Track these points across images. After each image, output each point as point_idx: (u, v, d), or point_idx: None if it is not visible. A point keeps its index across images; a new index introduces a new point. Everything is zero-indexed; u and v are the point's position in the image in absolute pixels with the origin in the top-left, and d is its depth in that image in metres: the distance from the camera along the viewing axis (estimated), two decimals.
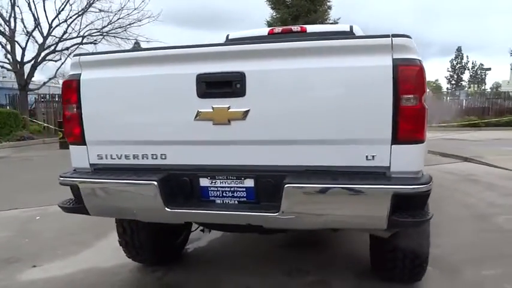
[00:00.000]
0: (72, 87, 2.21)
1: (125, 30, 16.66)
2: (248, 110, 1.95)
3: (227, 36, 4.33)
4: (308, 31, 4.05)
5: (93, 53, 2.24)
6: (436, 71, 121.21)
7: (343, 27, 4.05)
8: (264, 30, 4.25)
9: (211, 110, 1.99)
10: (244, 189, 2.06)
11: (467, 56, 66.92)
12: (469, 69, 65.93)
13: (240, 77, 1.94)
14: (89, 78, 2.17)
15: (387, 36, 1.82)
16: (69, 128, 2.27)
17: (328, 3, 17.38)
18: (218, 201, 2.10)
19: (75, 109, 2.22)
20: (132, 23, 16.35)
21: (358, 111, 1.87)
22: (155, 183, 2.00)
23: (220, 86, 1.98)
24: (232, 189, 2.08)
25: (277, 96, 1.94)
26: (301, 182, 1.85)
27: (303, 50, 1.92)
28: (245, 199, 2.07)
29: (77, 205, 2.20)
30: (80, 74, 2.19)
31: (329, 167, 1.94)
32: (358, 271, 3.05)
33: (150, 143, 2.13)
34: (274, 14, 17.86)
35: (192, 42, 2.27)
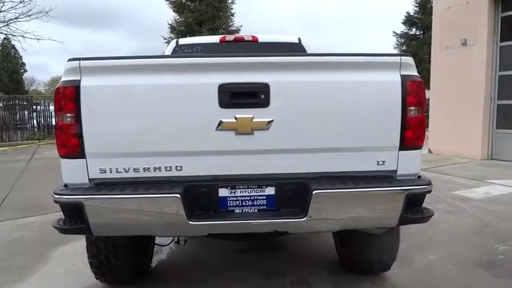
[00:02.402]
0: (69, 94, 1.98)
1: (7, 25, 14.67)
2: (272, 120, 2.00)
3: (177, 41, 4.23)
4: (260, 41, 4.18)
5: (96, 58, 2.03)
6: None
7: (291, 38, 4.26)
8: (216, 38, 4.25)
9: (235, 120, 1.99)
10: (264, 197, 2.10)
11: None
12: None
13: (265, 88, 1.99)
14: (92, 85, 1.98)
15: (397, 55, 2.07)
16: (64, 140, 2.02)
17: (231, 10, 17.80)
18: (237, 210, 2.10)
19: (72, 119, 1.99)
20: (18, 17, 14.47)
21: (371, 121, 2.07)
22: (178, 195, 1.92)
23: (244, 96, 2.00)
24: (252, 198, 2.10)
25: (299, 107, 2.03)
26: (328, 188, 1.98)
27: (324, 64, 2.05)
28: (265, 207, 2.11)
29: (78, 225, 1.98)
30: (80, 80, 1.98)
31: (344, 172, 2.10)
32: (329, 267, 3.29)
33: (164, 155, 2.03)
34: (177, 18, 17.61)
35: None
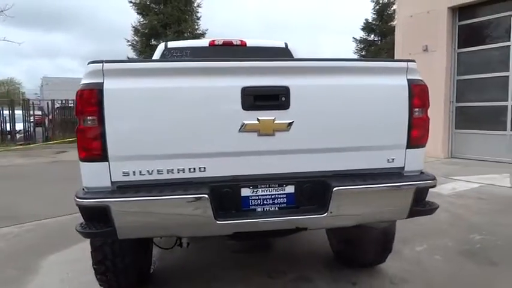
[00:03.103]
0: (92, 97, 1.98)
1: None
2: (292, 122, 2.10)
3: (165, 45, 4.23)
4: (248, 45, 4.28)
5: (118, 61, 2.03)
6: None
7: (278, 43, 4.39)
8: (205, 41, 4.30)
9: (257, 122, 2.07)
10: (284, 196, 2.19)
11: None
12: None
13: (285, 91, 2.09)
14: (116, 88, 1.98)
15: (404, 61, 2.23)
16: (86, 143, 2.01)
17: (197, 14, 17.73)
18: (259, 209, 2.18)
19: (95, 122, 1.99)
20: None
21: (382, 121, 2.22)
22: (206, 196, 1.97)
23: (266, 99, 2.08)
24: (273, 196, 2.18)
25: (316, 109, 2.14)
26: (348, 185, 2.10)
27: (339, 69, 2.18)
28: (285, 205, 2.20)
29: (104, 229, 1.97)
30: (102, 83, 1.98)
31: (357, 170, 2.24)
32: (326, 263, 3.43)
33: (188, 156, 2.07)
34: (141, 20, 17.30)
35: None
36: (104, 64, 1.98)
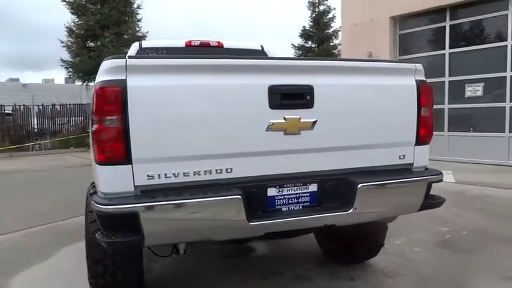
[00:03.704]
0: (114, 95, 1.83)
1: None
2: (316, 120, 2.12)
3: (140, 44, 4.04)
4: (224, 47, 4.24)
5: (142, 56, 1.90)
6: None
7: (255, 45, 4.40)
8: (181, 42, 4.17)
9: (284, 121, 2.06)
10: (308, 194, 2.19)
11: None
12: None
13: (310, 90, 2.10)
14: (141, 85, 1.85)
15: (413, 63, 2.36)
16: (107, 145, 1.85)
17: (137, 16, 17.08)
18: (284, 209, 2.16)
19: (117, 121, 1.84)
20: None
21: (395, 119, 2.32)
22: (240, 197, 1.91)
23: (293, 97, 2.08)
24: (297, 195, 2.18)
25: (338, 107, 2.18)
26: (372, 181, 2.16)
27: (359, 69, 2.24)
28: (308, 203, 2.20)
29: (132, 237, 1.82)
30: (125, 80, 1.84)
31: (373, 167, 2.31)
32: (318, 262, 3.49)
33: (215, 157, 1.99)
34: (76, 20, 16.25)
35: None
36: (128, 60, 1.84)
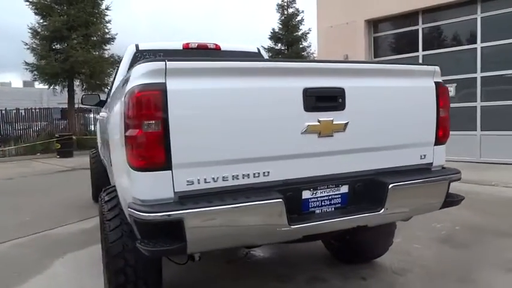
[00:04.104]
0: (155, 99, 1.77)
1: None
2: (347, 122, 2.14)
3: (136, 46, 3.94)
4: (222, 49, 4.20)
5: (182, 59, 1.83)
6: None
7: (251, 48, 4.39)
8: (178, 44, 4.10)
9: (318, 123, 2.06)
10: (339, 196, 2.21)
11: None
12: None
13: (341, 92, 2.12)
14: (180, 89, 1.80)
15: (432, 65, 2.43)
16: (146, 151, 1.79)
17: (106, 17, 16.56)
18: (317, 211, 2.16)
19: (157, 126, 1.78)
20: None
21: (418, 119, 2.38)
22: (281, 200, 1.90)
23: (326, 100, 2.09)
24: (330, 197, 2.18)
25: (367, 109, 2.21)
26: (402, 181, 2.20)
27: (386, 71, 2.29)
28: (339, 205, 2.21)
29: (176, 244, 1.77)
30: (165, 83, 1.79)
31: (397, 167, 2.36)
32: (326, 262, 3.52)
33: (253, 161, 1.96)
34: (41, 21, 15.54)
35: None
36: (167, 63, 1.78)
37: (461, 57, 8.76)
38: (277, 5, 26.28)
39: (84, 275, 3.42)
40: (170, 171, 1.82)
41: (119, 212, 2.41)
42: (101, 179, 6.04)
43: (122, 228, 2.35)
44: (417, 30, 9.55)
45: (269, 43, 26.34)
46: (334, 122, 2.10)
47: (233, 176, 1.93)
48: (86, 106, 5.97)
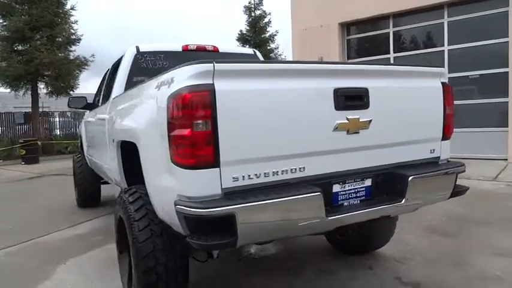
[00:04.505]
0: (205, 99, 1.85)
1: None
2: (371, 120, 2.30)
3: (137, 48, 3.94)
4: (220, 51, 4.28)
5: (229, 61, 1.91)
6: None
7: (248, 50, 4.51)
8: (178, 46, 4.14)
9: (347, 121, 2.21)
10: (364, 189, 2.37)
11: None
12: None
13: (366, 92, 2.28)
14: (228, 90, 1.89)
15: (439, 67, 2.65)
16: (196, 149, 1.86)
17: (72, 18, 16.01)
18: (346, 203, 2.30)
19: (207, 126, 1.86)
20: None
21: (429, 116, 2.60)
22: (320, 193, 2.02)
23: (353, 99, 2.24)
24: (355, 190, 2.34)
25: (387, 107, 2.38)
26: (421, 173, 2.39)
27: (403, 73, 2.48)
28: (364, 197, 2.37)
29: (229, 239, 1.85)
30: (213, 84, 1.87)
31: (411, 161, 2.55)
32: (328, 255, 3.69)
33: (291, 157, 2.08)
34: (1, 21, 14.79)
35: None
36: (216, 64, 1.87)
37: (430, 59, 9.25)
38: (244, 7, 26.49)
39: (93, 280, 3.40)
40: (218, 169, 1.90)
41: (146, 212, 2.45)
42: (87, 183, 5.94)
43: (150, 228, 2.40)
44: (388, 33, 10.00)
45: (237, 44, 26.45)
46: (360, 120, 2.26)
47: (273, 172, 2.04)
48: (73, 109, 5.82)
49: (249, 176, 1.98)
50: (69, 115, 19.40)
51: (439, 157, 2.68)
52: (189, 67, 1.89)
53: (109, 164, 3.81)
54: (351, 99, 2.23)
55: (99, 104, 4.72)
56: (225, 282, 3.26)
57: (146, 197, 2.53)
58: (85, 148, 5.88)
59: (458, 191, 2.66)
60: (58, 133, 18.72)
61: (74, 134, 18.04)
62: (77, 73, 16.79)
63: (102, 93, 4.77)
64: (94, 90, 5.89)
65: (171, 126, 1.94)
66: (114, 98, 3.73)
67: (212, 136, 1.87)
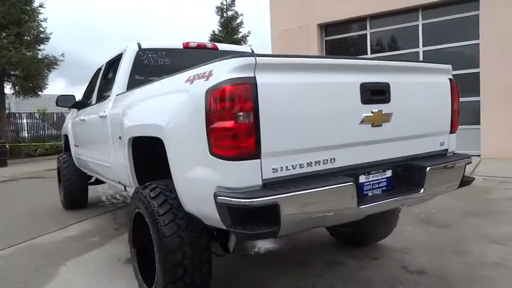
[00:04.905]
0: (247, 92, 1.89)
1: None
2: (391, 113, 2.41)
3: (139, 45, 3.90)
4: (220, 49, 4.31)
5: (269, 55, 1.94)
6: None
7: (245, 48, 4.58)
8: (179, 43, 4.12)
9: (372, 114, 2.31)
10: (385, 180, 2.47)
11: None
12: None
13: (388, 87, 2.39)
14: (268, 83, 1.93)
15: (447, 64, 2.80)
16: (238, 141, 1.89)
17: (41, 15, 15.38)
18: (370, 193, 2.39)
19: (249, 118, 1.90)
20: None
21: (440, 111, 2.74)
22: (353, 183, 2.10)
23: (377, 93, 2.34)
24: (378, 181, 2.43)
25: (406, 101, 2.50)
26: (437, 164, 2.52)
27: (419, 69, 2.62)
28: (385, 187, 2.47)
29: (273, 228, 1.89)
30: (255, 78, 1.91)
31: (425, 153, 2.68)
32: (333, 248, 3.79)
33: (323, 149, 2.15)
34: None
35: None
36: (257, 58, 1.91)
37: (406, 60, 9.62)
38: (216, 8, 26.48)
39: (100, 279, 3.33)
40: (259, 160, 1.94)
41: (170, 206, 2.45)
42: (75, 184, 5.79)
43: (176, 222, 2.41)
44: (365, 34, 10.31)
45: None
46: (383, 113, 2.36)
47: (307, 163, 2.10)
48: (63, 107, 5.64)
49: (287, 167, 2.03)
50: (37, 116, 18.66)
51: (447, 149, 2.83)
52: (231, 60, 1.92)
53: (111, 162, 3.75)
54: (375, 93, 2.32)
55: (94, 102, 4.62)
56: (237, 277, 3.27)
57: (167, 192, 2.52)
58: (72, 148, 5.72)
59: (466, 181, 2.82)
60: (26, 135, 17.98)
61: (43, 136, 17.40)
62: (46, 73, 16.22)
63: (96, 91, 4.66)
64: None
65: (211, 118, 1.96)
66: (117, 95, 3.67)
67: (254, 128, 1.91)
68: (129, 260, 3.70)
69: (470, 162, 2.82)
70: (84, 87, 5.68)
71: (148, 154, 3.07)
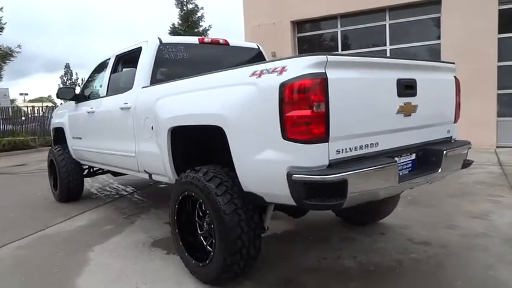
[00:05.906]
0: (320, 86, 2.22)
1: None
2: (417, 105, 2.85)
3: (160, 40, 4.07)
4: (230, 44, 4.57)
5: (337, 54, 2.25)
6: (49, 87, 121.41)
7: (253, 44, 4.87)
8: (195, 39, 4.34)
9: (405, 105, 2.73)
10: (411, 162, 2.91)
11: (76, 73, 67.35)
12: (79, 85, 68.13)
13: (415, 82, 2.82)
14: (336, 78, 2.28)
15: (453, 63, 3.30)
16: (313, 127, 2.23)
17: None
18: (400, 173, 2.82)
19: (323, 107, 2.24)
20: None
21: (448, 103, 3.23)
22: (396, 163, 2.51)
23: (408, 88, 2.76)
24: (406, 163, 2.87)
25: (427, 95, 2.94)
26: (452, 148, 3.00)
27: (436, 67, 3.08)
28: (410, 168, 2.91)
29: (341, 200, 2.24)
30: (325, 73, 2.25)
31: (437, 139, 3.16)
32: (342, 226, 4.21)
33: (371, 134, 2.53)
34: None
35: None
36: (328, 56, 2.25)
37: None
38: (176, 0, 26.18)
39: (135, 262, 3.50)
40: (327, 143, 2.29)
41: (226, 187, 2.75)
42: (72, 176, 5.80)
43: (233, 202, 2.71)
44: (336, 32, 10.89)
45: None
46: (412, 104, 2.79)
47: (360, 146, 2.48)
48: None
49: (345, 149, 2.39)
50: None
51: (451, 137, 3.34)
52: (306, 58, 2.24)
53: (135, 151, 3.91)
54: (407, 88, 2.75)
55: (104, 95, 4.70)
56: (270, 251, 3.57)
57: (220, 175, 2.81)
58: (70, 140, 5.72)
59: (467, 163, 3.34)
60: None
61: (4, 132, 16.50)
62: (1, 65, 15.39)
63: (106, 84, 4.73)
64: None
65: (286, 108, 2.27)
66: (144, 87, 3.83)
67: (325, 116, 2.25)
68: (155, 244, 3.92)
69: (471, 147, 3.35)
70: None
71: (188, 143, 3.32)
